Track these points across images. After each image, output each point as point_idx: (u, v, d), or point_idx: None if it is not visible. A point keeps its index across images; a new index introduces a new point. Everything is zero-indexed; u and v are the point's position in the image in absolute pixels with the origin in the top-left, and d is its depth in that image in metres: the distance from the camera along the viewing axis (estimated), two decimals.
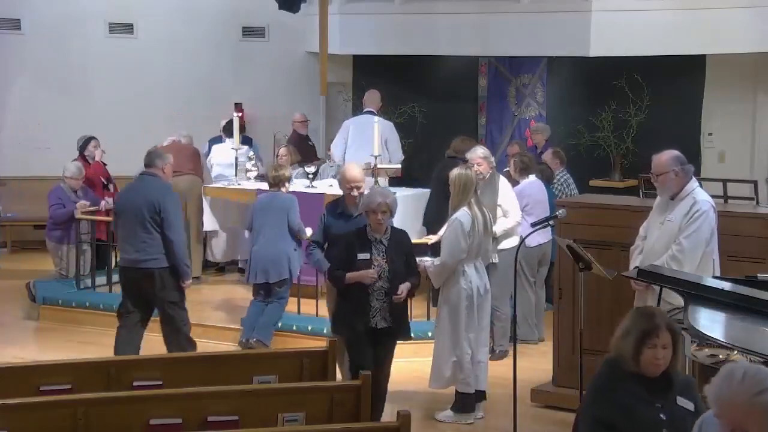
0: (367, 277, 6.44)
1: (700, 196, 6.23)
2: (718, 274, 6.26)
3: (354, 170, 7.18)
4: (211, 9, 13.58)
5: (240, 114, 11.53)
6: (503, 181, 8.16)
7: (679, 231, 6.14)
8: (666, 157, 6.25)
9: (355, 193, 7.00)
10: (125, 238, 7.51)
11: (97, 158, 11.13)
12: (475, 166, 7.68)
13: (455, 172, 7.03)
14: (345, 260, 6.56)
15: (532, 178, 9.02)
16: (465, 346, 6.92)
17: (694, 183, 6.28)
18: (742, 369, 3.02)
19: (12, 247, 12.91)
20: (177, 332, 7.55)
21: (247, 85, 13.62)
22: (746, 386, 2.91)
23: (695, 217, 6.12)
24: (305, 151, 11.73)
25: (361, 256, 6.46)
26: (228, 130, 11.07)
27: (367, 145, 10.13)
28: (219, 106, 12.73)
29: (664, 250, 6.18)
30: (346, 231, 6.82)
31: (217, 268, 11.29)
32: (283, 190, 8.53)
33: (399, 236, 6.67)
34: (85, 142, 11.10)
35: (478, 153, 8.00)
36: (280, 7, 11.99)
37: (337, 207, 7.16)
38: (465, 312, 6.93)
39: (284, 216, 8.34)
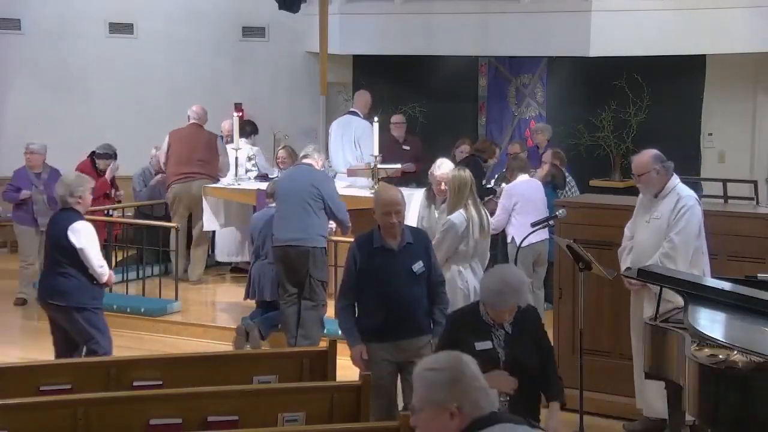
0: (507, 386, 4.86)
1: (683, 191, 6.33)
2: (708, 268, 6.31)
3: (390, 191, 5.82)
4: (211, 9, 13.59)
5: (240, 114, 11.51)
6: None
7: (668, 228, 6.22)
8: (646, 157, 6.35)
9: (395, 219, 5.60)
10: (285, 219, 7.94)
11: (107, 176, 10.81)
12: (443, 184, 7.12)
13: (451, 173, 7.02)
14: (451, 348, 5.04)
15: (524, 177, 9.01)
16: None
17: (675, 179, 6.37)
18: (446, 352, 3.18)
19: (11, 247, 12.89)
20: (314, 309, 7.99)
21: (247, 85, 13.62)
22: (428, 362, 3.07)
23: (682, 212, 6.21)
24: (392, 155, 10.62)
25: (481, 345, 4.88)
26: (243, 131, 11.07)
27: (347, 145, 10.29)
28: (219, 106, 12.71)
29: (655, 249, 6.23)
30: (386, 268, 5.63)
31: (231, 268, 11.28)
32: None
33: (524, 316, 5.00)
34: (104, 156, 10.77)
35: (446, 170, 7.19)
36: (280, 7, 11.99)
37: (372, 240, 5.70)
38: None
39: None
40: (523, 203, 8.73)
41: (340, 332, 6.90)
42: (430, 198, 7.45)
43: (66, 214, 6.83)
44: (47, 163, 10.39)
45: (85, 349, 6.94)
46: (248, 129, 11.28)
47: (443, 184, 7.12)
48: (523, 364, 4.88)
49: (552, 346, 5.18)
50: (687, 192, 6.34)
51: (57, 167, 10.91)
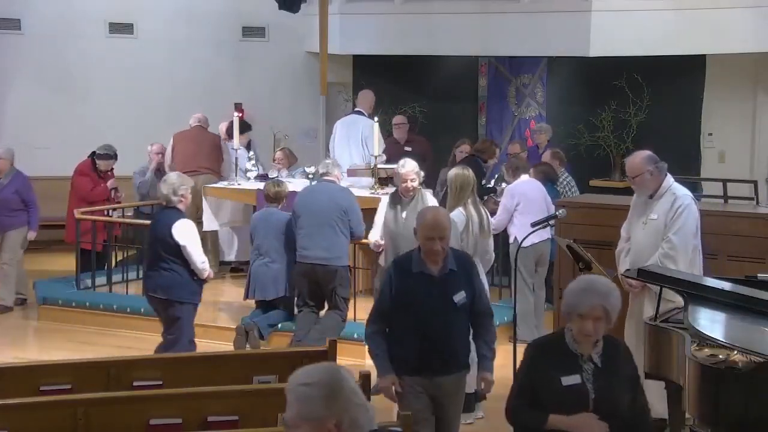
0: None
1: (679, 191, 6.33)
2: (700, 266, 6.31)
3: (436, 214, 5.16)
4: (211, 9, 13.59)
5: (240, 114, 11.52)
6: (431, 198, 7.73)
7: (666, 228, 6.22)
8: (639, 159, 6.36)
9: (438, 246, 5.01)
10: (312, 237, 8.00)
11: (109, 185, 10.67)
12: (408, 182, 7.33)
13: (453, 172, 7.02)
14: (532, 386, 4.25)
15: (525, 177, 9.02)
16: None
17: (669, 179, 6.38)
18: (322, 364, 3.04)
19: None
20: (337, 319, 8.14)
21: (247, 85, 13.62)
22: (303, 375, 2.94)
23: (679, 212, 6.22)
24: (394, 157, 10.24)
25: (569, 379, 4.18)
26: (230, 132, 11.12)
27: (353, 144, 10.26)
28: (219, 106, 12.72)
29: (653, 250, 6.24)
30: (423, 296, 5.04)
31: (231, 268, 11.27)
32: (278, 206, 8.62)
33: (614, 350, 4.30)
34: (104, 157, 10.66)
35: (410, 168, 7.34)
36: (280, 7, 12.00)
37: (411, 264, 5.13)
38: None
39: (282, 234, 8.50)
40: (525, 203, 8.74)
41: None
42: (396, 200, 7.42)
43: (169, 213, 7.19)
44: (15, 167, 10.17)
45: (168, 340, 7.37)
46: (232, 130, 11.28)
47: (409, 181, 7.25)
48: (615, 404, 4.19)
49: (644, 391, 4.44)
50: (683, 191, 6.35)
51: (57, 167, 10.93)
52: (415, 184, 7.34)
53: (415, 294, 5.04)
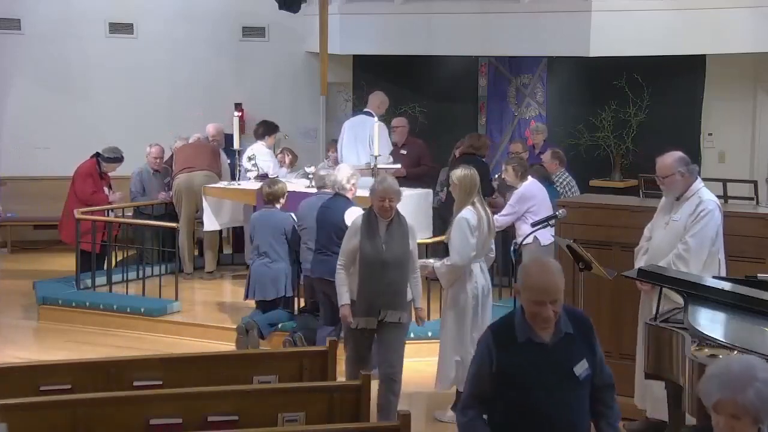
0: None
1: (705, 195, 6.27)
2: (724, 274, 6.28)
3: (547, 272, 3.97)
4: (211, 9, 13.59)
5: (240, 114, 11.52)
6: (407, 220, 6.72)
7: (685, 230, 6.18)
8: (671, 159, 6.27)
9: (551, 312, 3.93)
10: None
11: (112, 198, 10.77)
12: (386, 201, 6.44)
13: (459, 172, 6.99)
14: None
15: (531, 179, 9.04)
16: (469, 346, 6.87)
17: (699, 183, 6.32)
18: None
19: (12, 247, 12.91)
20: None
21: (247, 85, 13.62)
22: None
23: (701, 216, 6.16)
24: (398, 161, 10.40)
25: None
26: (258, 133, 11.19)
27: (360, 144, 10.23)
28: (219, 106, 12.73)
29: (670, 250, 6.20)
30: (535, 371, 3.95)
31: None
32: (278, 206, 8.61)
33: None
34: (112, 160, 10.74)
35: (389, 185, 6.52)
36: (280, 7, 12.00)
37: (515, 332, 4.03)
38: (471, 313, 6.92)
39: (281, 234, 8.47)
40: (538, 204, 8.78)
41: None
42: (373, 222, 6.53)
43: (340, 200, 7.69)
44: None
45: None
46: (260, 131, 11.24)
47: (387, 200, 6.43)
48: None
49: None
50: (709, 196, 6.27)
51: (57, 167, 10.93)
52: (395, 203, 6.47)
53: (524, 369, 3.95)
